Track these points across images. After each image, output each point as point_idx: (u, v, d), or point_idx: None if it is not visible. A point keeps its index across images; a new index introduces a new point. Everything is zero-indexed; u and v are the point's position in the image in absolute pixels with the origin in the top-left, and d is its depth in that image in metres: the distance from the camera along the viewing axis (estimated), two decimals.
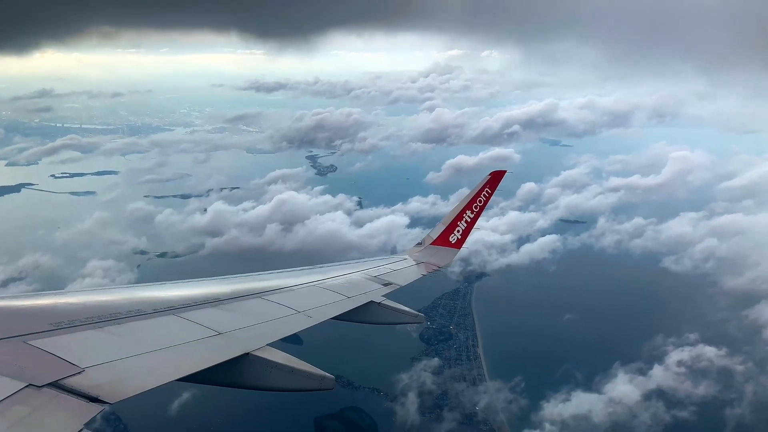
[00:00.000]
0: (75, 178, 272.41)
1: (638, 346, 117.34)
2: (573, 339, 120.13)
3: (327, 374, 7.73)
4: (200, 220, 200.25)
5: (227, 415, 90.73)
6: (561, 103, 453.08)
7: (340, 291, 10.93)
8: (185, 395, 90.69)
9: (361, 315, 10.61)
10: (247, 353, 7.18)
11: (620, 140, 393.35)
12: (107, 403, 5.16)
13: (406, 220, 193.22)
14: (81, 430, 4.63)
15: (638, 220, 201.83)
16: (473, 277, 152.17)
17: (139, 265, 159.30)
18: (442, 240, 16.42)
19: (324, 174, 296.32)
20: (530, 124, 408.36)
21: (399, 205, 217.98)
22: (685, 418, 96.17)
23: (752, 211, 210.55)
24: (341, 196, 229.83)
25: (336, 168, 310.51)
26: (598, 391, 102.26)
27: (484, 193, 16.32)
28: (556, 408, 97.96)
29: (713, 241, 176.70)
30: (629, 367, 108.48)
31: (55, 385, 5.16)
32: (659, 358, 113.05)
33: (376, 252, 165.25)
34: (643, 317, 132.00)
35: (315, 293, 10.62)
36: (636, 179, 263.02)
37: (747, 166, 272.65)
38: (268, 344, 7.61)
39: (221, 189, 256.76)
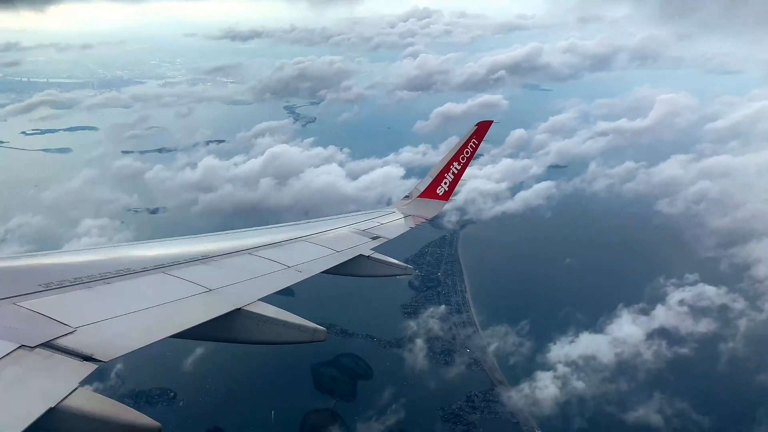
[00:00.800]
0: (47, 135, 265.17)
1: (640, 287, 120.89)
2: (574, 283, 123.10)
3: (318, 326, 7.74)
4: (191, 175, 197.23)
5: (227, 369, 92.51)
6: (544, 47, 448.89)
7: (328, 245, 10.98)
8: (191, 354, 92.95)
9: (351, 268, 10.69)
10: (239, 308, 7.21)
11: (603, 84, 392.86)
12: (101, 361, 5.16)
13: (401, 171, 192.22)
14: (76, 388, 4.64)
15: (629, 164, 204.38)
16: (459, 224, 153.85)
17: (132, 224, 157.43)
18: (430, 192, 16.40)
19: (304, 125, 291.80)
20: (515, 69, 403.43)
21: (391, 156, 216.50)
22: (685, 355, 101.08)
23: (739, 152, 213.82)
24: (332, 148, 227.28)
25: (315, 119, 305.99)
26: (603, 332, 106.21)
27: (471, 144, 16.16)
28: (563, 350, 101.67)
29: (705, 183, 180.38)
30: (633, 308, 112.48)
31: (48, 345, 5.14)
32: (661, 298, 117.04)
33: (372, 204, 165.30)
34: (641, 259, 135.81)
35: (304, 248, 10.63)
36: (623, 123, 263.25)
37: (729, 108, 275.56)
38: (259, 299, 7.65)
39: (207, 142, 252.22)
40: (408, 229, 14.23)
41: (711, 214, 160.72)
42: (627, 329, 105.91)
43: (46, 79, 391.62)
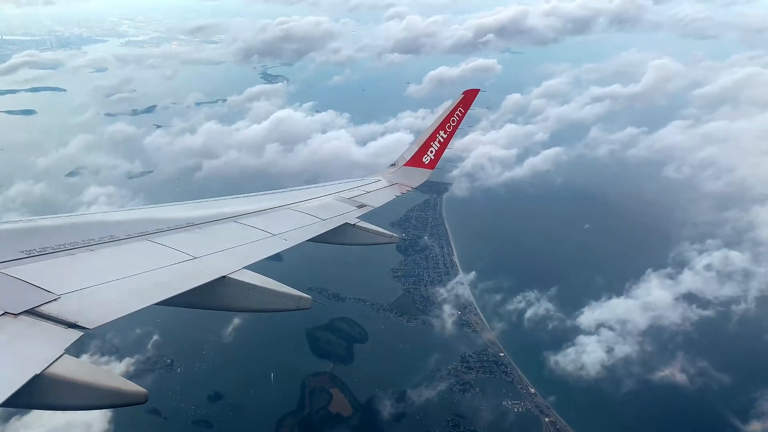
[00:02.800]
0: (7, 96, 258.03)
1: (663, 253, 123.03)
2: (598, 248, 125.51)
3: (304, 294, 7.73)
4: (192, 141, 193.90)
5: (222, 335, 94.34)
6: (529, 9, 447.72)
7: (314, 214, 10.93)
8: (186, 322, 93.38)
9: (337, 237, 10.72)
10: (224, 276, 7.19)
11: (584, 48, 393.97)
12: (86, 329, 5.16)
13: (410, 137, 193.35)
14: (62, 355, 4.65)
15: (631, 130, 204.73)
16: (441, 188, 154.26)
17: (138, 191, 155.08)
18: (416, 161, 16.30)
19: (280, 83, 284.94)
20: (502, 32, 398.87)
21: (392, 121, 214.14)
22: (708, 317, 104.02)
23: (732, 117, 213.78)
24: (331, 113, 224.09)
25: (287, 79, 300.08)
26: (632, 297, 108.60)
27: (458, 112, 16.04)
28: (593, 314, 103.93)
29: (711, 150, 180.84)
30: (660, 272, 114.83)
31: (32, 312, 5.13)
32: (686, 263, 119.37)
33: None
34: (659, 225, 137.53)
35: (289, 216, 10.59)
36: (617, 88, 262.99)
37: (712, 73, 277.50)
38: (244, 267, 7.63)
39: (197, 104, 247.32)
40: (393, 197, 14.21)
41: (717, 180, 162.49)
42: (656, 294, 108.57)
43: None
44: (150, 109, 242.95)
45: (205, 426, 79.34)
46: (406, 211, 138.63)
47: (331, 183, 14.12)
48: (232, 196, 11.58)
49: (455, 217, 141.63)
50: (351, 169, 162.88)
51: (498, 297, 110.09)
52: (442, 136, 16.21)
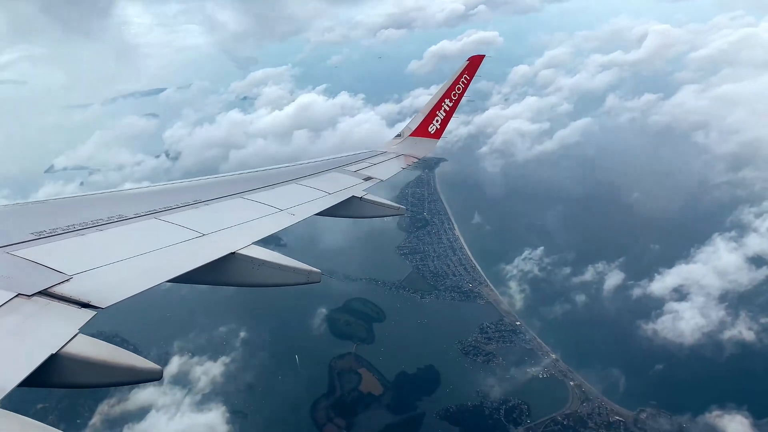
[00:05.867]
0: None
1: (722, 217, 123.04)
2: (648, 216, 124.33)
3: (314, 268, 7.63)
4: (214, 131, 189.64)
5: (238, 322, 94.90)
6: None
7: (320, 188, 10.87)
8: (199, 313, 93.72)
9: (344, 210, 10.63)
10: (233, 252, 7.19)
11: (568, 16, 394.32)
12: (99, 308, 5.19)
13: None
14: (77, 334, 4.70)
15: (648, 96, 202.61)
16: (432, 163, 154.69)
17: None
18: (421, 131, 16.03)
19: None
20: (489, 2, 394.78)
21: (408, 100, 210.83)
22: None
23: (736, 78, 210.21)
24: (344, 95, 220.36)
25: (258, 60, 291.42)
26: (700, 262, 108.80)
27: (463, 79, 15.63)
28: (670, 281, 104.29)
29: (740, 114, 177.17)
30: (725, 236, 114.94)
31: (45, 293, 5.15)
32: (747, 226, 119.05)
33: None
34: (703, 190, 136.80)
35: (296, 191, 10.55)
36: (619, 55, 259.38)
37: (700, 35, 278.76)
38: (252, 243, 7.61)
39: (197, 91, 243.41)
40: (400, 169, 13.99)
41: (750, 145, 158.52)
42: (726, 258, 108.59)
43: None
44: (133, 96, 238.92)
45: (242, 416, 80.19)
46: (401, 188, 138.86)
47: (336, 156, 13.98)
48: (238, 172, 11.55)
49: (450, 192, 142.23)
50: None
51: (567, 270, 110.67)
52: (447, 105, 15.87)
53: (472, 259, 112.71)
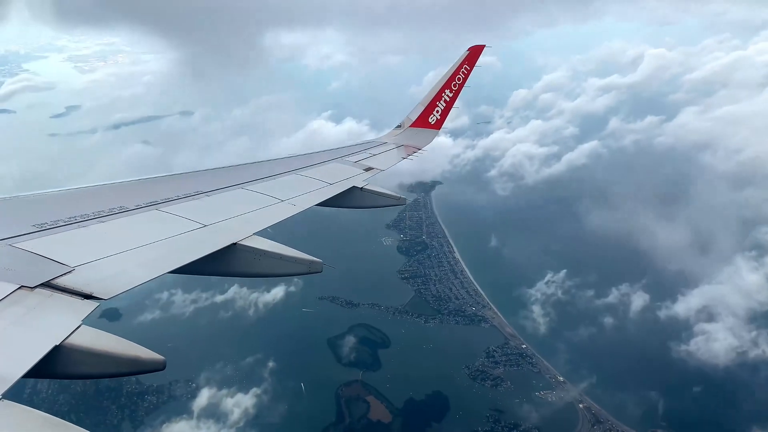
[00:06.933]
0: None
1: (741, 237, 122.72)
2: (665, 237, 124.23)
3: (315, 258, 7.66)
4: (222, 160, 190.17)
5: (238, 347, 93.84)
6: None
7: (321, 178, 10.91)
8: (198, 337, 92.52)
9: (345, 200, 10.66)
10: (234, 243, 7.19)
11: (557, 40, 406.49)
12: (101, 299, 5.21)
13: (449, 140, 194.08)
14: (80, 326, 4.71)
15: (650, 119, 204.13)
16: (427, 186, 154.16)
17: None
18: (422, 121, 16.09)
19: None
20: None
21: None
22: None
23: (736, 99, 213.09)
24: (349, 121, 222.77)
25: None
26: (722, 282, 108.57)
27: (463, 69, 15.70)
28: (694, 302, 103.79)
29: (745, 132, 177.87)
30: (745, 255, 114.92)
31: (48, 285, 5.17)
32: (764, 245, 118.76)
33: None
34: (717, 209, 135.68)
35: (297, 182, 10.58)
36: (616, 78, 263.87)
37: (691, 58, 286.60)
38: (254, 233, 7.62)
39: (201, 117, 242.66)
40: (401, 159, 14.05)
41: (750, 163, 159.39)
42: (749, 278, 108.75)
43: None
44: (134, 122, 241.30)
45: None
46: (398, 212, 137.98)
47: (336, 147, 14.01)
48: (238, 164, 11.56)
49: (449, 214, 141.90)
50: (402, 176, 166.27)
51: (590, 292, 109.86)
52: (447, 95, 15.93)
53: (474, 282, 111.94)
